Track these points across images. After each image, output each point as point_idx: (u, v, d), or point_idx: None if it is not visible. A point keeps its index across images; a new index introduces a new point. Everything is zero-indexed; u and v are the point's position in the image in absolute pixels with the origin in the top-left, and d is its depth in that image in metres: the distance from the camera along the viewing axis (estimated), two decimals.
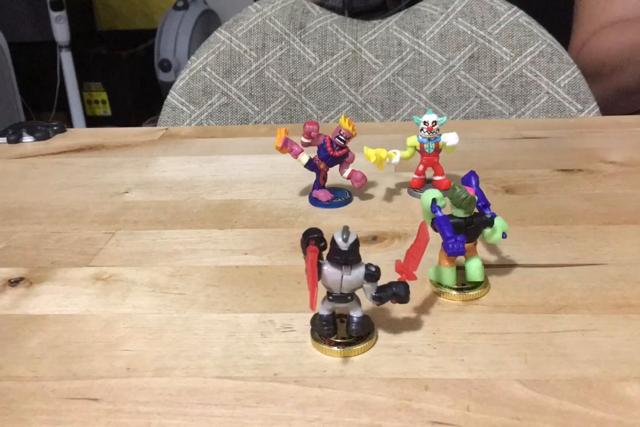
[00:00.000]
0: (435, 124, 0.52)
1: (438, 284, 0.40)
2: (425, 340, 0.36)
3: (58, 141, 0.72)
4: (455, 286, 0.40)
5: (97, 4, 2.96)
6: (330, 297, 0.34)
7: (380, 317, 0.38)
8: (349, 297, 0.34)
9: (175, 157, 0.65)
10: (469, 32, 0.81)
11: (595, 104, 0.80)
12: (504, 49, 0.80)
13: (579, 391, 0.32)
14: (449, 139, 0.52)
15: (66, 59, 2.42)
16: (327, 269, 0.33)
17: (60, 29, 2.35)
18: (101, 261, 0.46)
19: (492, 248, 0.45)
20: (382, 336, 0.36)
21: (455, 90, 0.81)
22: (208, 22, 2.71)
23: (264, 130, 0.73)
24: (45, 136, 0.72)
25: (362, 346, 0.35)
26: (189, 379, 0.34)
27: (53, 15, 2.31)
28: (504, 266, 0.43)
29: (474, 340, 0.36)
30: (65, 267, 0.45)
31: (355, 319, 0.34)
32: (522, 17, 0.81)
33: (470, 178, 0.41)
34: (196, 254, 0.46)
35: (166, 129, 0.74)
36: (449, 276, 0.40)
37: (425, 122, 0.52)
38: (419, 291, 0.40)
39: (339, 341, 0.35)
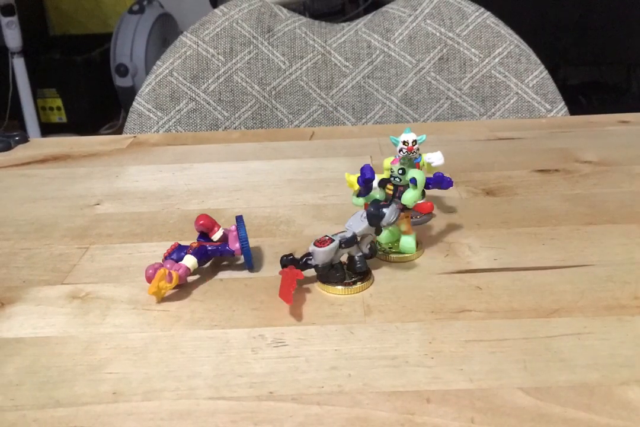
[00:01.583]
0: (416, 143, 0.49)
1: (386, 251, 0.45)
2: (421, 350, 0.35)
3: (20, 152, 0.69)
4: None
5: (50, 9, 2.89)
6: (343, 245, 0.40)
7: (373, 327, 0.37)
8: (356, 240, 0.40)
9: (146, 166, 0.63)
10: (437, 34, 0.81)
11: (563, 103, 0.81)
12: (472, 50, 0.81)
13: (582, 397, 0.31)
14: (435, 159, 0.48)
15: (18, 65, 2.35)
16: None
17: (12, 34, 2.28)
18: (76, 278, 0.44)
19: (478, 252, 0.45)
20: (377, 347, 0.36)
21: (425, 92, 0.81)
22: (165, 26, 2.67)
23: (236, 136, 0.71)
24: (7, 147, 0.69)
25: (363, 284, 0.41)
26: (180, 402, 0.32)
27: (4, 20, 2.24)
28: (493, 270, 0.43)
29: (471, 348, 0.35)
30: (38, 286, 0.43)
31: (357, 258, 0.41)
32: (489, 18, 0.81)
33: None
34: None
35: (134, 136, 0.72)
36: (411, 242, 0.44)
37: (404, 142, 0.46)
38: (409, 299, 0.40)
39: (346, 282, 0.41)
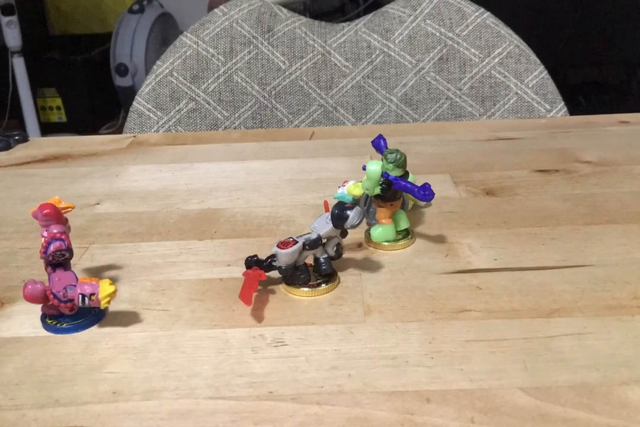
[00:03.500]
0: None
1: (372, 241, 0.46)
2: (421, 350, 0.35)
3: (20, 151, 0.69)
4: (389, 240, 0.46)
5: (50, 8, 2.88)
6: (307, 247, 0.40)
7: (373, 327, 0.37)
8: (320, 242, 0.40)
9: (146, 166, 0.63)
10: (437, 34, 0.81)
11: (562, 104, 0.81)
12: (472, 50, 0.81)
13: (582, 397, 0.31)
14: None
15: (18, 65, 2.35)
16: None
17: (12, 34, 2.28)
18: None
19: (478, 252, 0.45)
20: (377, 347, 0.35)
21: (425, 92, 0.81)
22: (165, 26, 2.67)
23: (236, 136, 0.71)
24: (6, 146, 0.69)
25: (328, 286, 0.41)
26: (180, 401, 0.32)
27: (4, 20, 2.24)
28: (493, 270, 0.42)
29: (471, 348, 0.35)
30: None
31: (322, 260, 0.41)
32: (489, 18, 0.81)
33: (380, 141, 0.45)
34: (177, 267, 0.44)
35: (134, 136, 0.72)
36: (391, 230, 0.45)
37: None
38: (409, 299, 0.40)
39: (311, 283, 0.41)
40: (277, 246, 0.39)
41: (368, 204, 0.48)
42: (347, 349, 0.35)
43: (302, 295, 0.40)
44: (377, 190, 0.44)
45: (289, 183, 0.58)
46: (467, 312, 0.38)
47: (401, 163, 0.44)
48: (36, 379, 0.34)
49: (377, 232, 0.45)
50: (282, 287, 0.41)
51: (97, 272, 0.44)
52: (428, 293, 0.40)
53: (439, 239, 0.47)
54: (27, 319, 0.39)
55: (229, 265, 0.44)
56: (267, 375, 0.34)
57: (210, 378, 0.34)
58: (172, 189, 0.57)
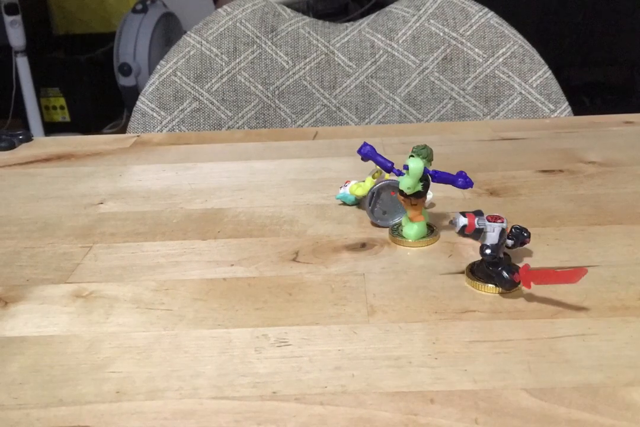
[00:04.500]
0: None
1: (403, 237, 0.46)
2: (425, 350, 0.35)
3: (24, 151, 0.69)
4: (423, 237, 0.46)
5: (53, 8, 2.89)
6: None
7: (377, 327, 0.37)
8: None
9: (150, 165, 0.63)
10: (441, 34, 0.81)
11: (567, 104, 0.81)
12: (476, 50, 0.80)
13: (586, 398, 0.31)
14: None
15: (22, 64, 2.35)
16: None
17: (15, 33, 2.29)
18: (79, 276, 0.44)
19: None
20: (380, 347, 0.35)
21: (429, 92, 0.81)
22: (168, 25, 2.68)
23: (239, 135, 0.71)
24: (10, 146, 0.69)
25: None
26: (183, 401, 0.32)
27: (7, 19, 2.24)
28: None
29: (475, 349, 0.35)
30: (42, 285, 0.43)
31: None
32: (493, 18, 0.81)
33: (368, 147, 0.46)
34: (180, 267, 0.44)
35: (138, 136, 0.72)
36: (424, 227, 0.46)
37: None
38: (413, 299, 0.40)
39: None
40: (487, 219, 0.38)
41: (373, 203, 0.48)
42: (350, 350, 0.35)
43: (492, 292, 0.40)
44: (419, 187, 0.43)
45: (293, 183, 0.58)
46: (471, 313, 0.38)
47: (430, 156, 0.44)
48: (40, 379, 0.34)
49: (414, 231, 0.46)
50: (465, 281, 0.41)
51: (100, 272, 0.44)
52: (432, 293, 0.40)
53: (443, 240, 0.47)
54: (30, 318, 0.39)
55: (232, 265, 0.44)
56: (271, 375, 0.34)
57: (214, 378, 0.34)
58: (176, 188, 0.57)
